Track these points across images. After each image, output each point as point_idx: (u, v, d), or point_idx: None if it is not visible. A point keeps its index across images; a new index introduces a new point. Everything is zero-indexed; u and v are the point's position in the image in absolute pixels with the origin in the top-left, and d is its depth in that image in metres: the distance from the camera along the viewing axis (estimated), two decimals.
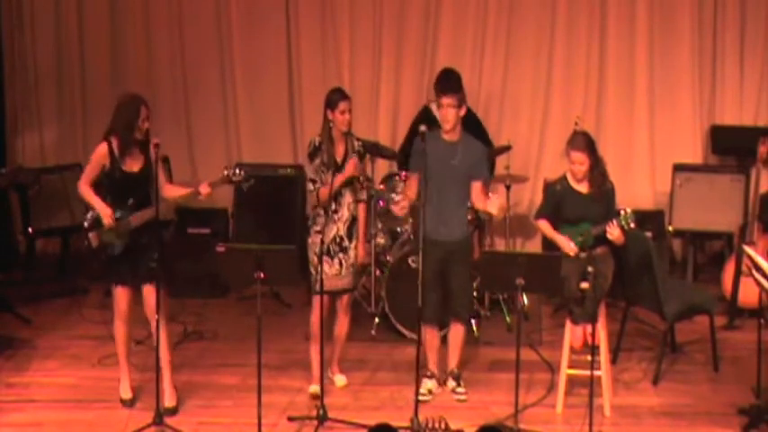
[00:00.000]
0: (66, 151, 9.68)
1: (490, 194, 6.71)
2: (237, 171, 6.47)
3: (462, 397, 6.77)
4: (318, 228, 6.67)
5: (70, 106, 9.80)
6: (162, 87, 9.60)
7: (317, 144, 6.66)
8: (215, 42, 9.65)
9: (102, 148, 6.39)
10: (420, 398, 6.68)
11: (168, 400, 6.55)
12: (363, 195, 6.76)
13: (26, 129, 9.80)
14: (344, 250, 6.69)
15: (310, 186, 6.67)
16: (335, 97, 6.61)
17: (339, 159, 6.63)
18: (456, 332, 6.84)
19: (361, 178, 6.74)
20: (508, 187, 8.27)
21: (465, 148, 6.63)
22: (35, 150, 9.77)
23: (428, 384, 6.82)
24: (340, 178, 6.58)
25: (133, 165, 6.41)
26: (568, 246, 6.50)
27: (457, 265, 6.66)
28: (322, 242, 6.58)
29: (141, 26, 9.68)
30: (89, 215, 6.48)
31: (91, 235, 6.47)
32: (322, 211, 6.68)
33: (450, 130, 6.60)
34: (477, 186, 6.65)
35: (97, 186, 6.44)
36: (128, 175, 6.38)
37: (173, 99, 9.68)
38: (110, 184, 6.42)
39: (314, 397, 6.62)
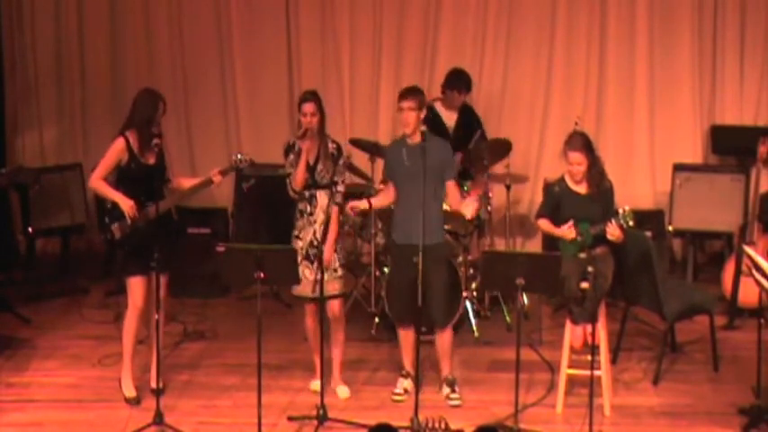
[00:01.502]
0: (66, 151, 9.69)
1: (466, 198, 6.69)
2: (241, 157, 6.72)
3: (456, 402, 6.68)
4: (297, 232, 6.64)
5: (70, 106, 9.80)
6: (162, 87, 9.43)
7: (291, 143, 6.66)
8: (215, 42, 9.65)
9: (120, 144, 6.48)
10: (395, 398, 6.69)
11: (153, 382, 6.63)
12: (339, 198, 6.59)
13: (26, 129, 9.79)
14: (322, 254, 6.54)
15: (288, 180, 6.61)
16: (301, 98, 6.61)
17: (311, 160, 6.56)
18: (441, 340, 6.72)
19: (339, 181, 6.59)
20: (508, 187, 8.26)
21: (429, 149, 6.43)
22: (35, 150, 9.77)
23: (404, 384, 6.79)
24: (305, 148, 6.51)
25: (150, 158, 6.53)
26: (567, 230, 6.49)
27: (429, 270, 6.40)
28: (314, 246, 6.53)
29: (141, 26, 9.68)
30: (111, 209, 6.52)
31: (114, 227, 6.51)
32: (299, 215, 6.64)
33: (411, 133, 6.54)
34: (450, 186, 6.60)
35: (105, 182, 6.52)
36: (146, 168, 6.50)
37: (173, 98, 9.60)
38: (125, 178, 6.50)
39: (315, 393, 6.60)
